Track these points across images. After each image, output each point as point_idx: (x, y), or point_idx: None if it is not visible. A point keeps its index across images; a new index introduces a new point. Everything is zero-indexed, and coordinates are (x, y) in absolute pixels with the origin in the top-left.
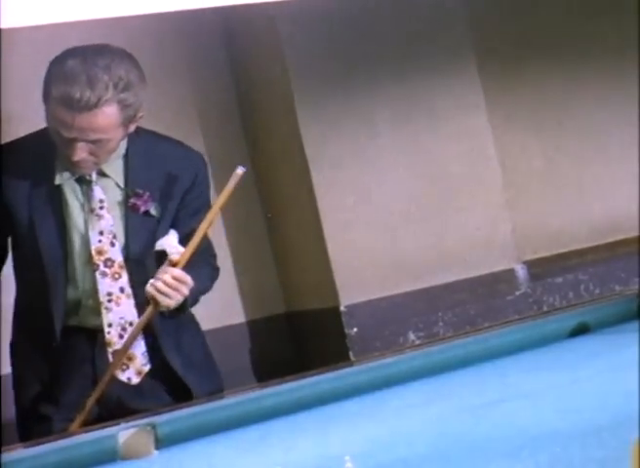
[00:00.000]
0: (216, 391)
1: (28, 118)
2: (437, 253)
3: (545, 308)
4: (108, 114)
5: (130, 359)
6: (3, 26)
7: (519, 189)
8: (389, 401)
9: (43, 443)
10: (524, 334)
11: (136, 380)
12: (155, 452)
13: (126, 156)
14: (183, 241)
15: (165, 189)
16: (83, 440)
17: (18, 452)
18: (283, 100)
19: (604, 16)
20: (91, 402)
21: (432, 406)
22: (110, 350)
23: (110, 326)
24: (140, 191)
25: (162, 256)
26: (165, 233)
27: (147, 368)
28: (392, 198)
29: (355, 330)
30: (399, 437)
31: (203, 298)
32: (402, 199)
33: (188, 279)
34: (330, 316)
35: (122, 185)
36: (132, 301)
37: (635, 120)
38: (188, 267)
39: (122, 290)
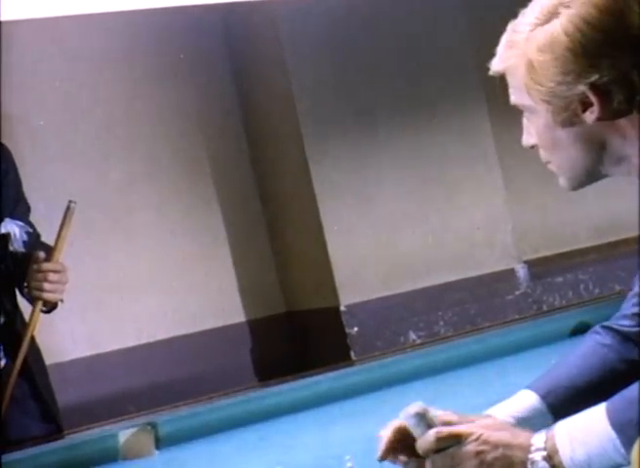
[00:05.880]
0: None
1: (28, 118)
2: (437, 253)
3: (545, 308)
4: None
5: None
6: (3, 19)
7: (519, 189)
8: (389, 401)
9: (43, 443)
10: (524, 334)
11: None
12: (155, 452)
13: None
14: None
15: None
16: (83, 440)
17: (17, 452)
18: (283, 101)
19: None
20: None
21: (432, 406)
22: None
23: None
24: None
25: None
26: None
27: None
28: (392, 198)
29: (356, 329)
30: None
31: (204, 298)
32: (402, 199)
33: (61, 266)
34: (330, 315)
35: None
36: None
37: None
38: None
39: None
